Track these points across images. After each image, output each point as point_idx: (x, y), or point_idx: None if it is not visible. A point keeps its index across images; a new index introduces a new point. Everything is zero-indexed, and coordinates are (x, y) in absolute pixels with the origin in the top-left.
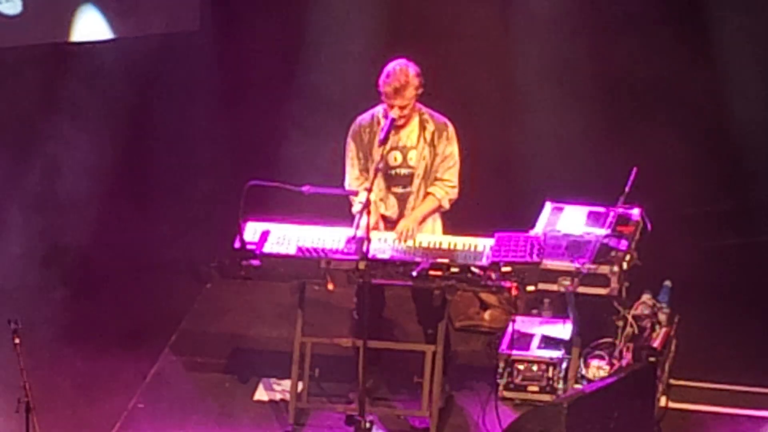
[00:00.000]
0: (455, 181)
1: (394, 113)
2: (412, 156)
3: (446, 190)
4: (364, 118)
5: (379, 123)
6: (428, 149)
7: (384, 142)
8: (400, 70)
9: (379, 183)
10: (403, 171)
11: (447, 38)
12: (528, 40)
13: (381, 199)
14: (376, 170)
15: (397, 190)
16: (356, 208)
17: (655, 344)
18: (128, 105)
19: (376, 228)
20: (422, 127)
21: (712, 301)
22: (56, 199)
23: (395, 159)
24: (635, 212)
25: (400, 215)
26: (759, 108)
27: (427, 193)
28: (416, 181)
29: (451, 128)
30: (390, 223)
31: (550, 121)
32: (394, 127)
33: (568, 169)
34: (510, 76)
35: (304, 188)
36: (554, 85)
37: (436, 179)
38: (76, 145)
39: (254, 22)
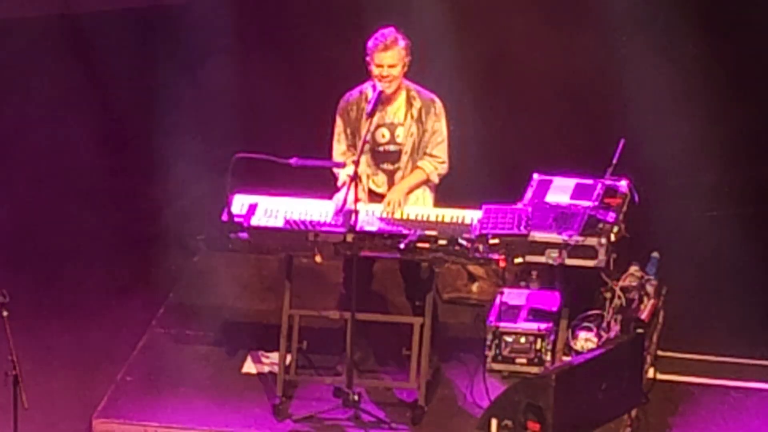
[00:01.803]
0: (444, 156)
1: (383, 73)
2: (400, 133)
3: (435, 165)
4: (352, 94)
5: (366, 99)
6: (416, 126)
7: (371, 114)
8: (389, 32)
9: (368, 160)
10: (391, 148)
11: (433, 9)
12: (516, 11)
13: (369, 176)
14: (363, 143)
15: (385, 166)
16: (341, 180)
17: (643, 316)
18: (116, 76)
19: (359, 201)
20: (409, 104)
21: (700, 273)
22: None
23: (383, 136)
24: (623, 184)
25: (389, 188)
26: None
27: (415, 167)
28: (404, 158)
29: (438, 104)
30: (379, 198)
31: (537, 93)
32: (381, 102)
33: (557, 141)
34: (498, 48)
35: (292, 160)
36: (543, 56)
37: (425, 154)
38: (59, 116)
39: None
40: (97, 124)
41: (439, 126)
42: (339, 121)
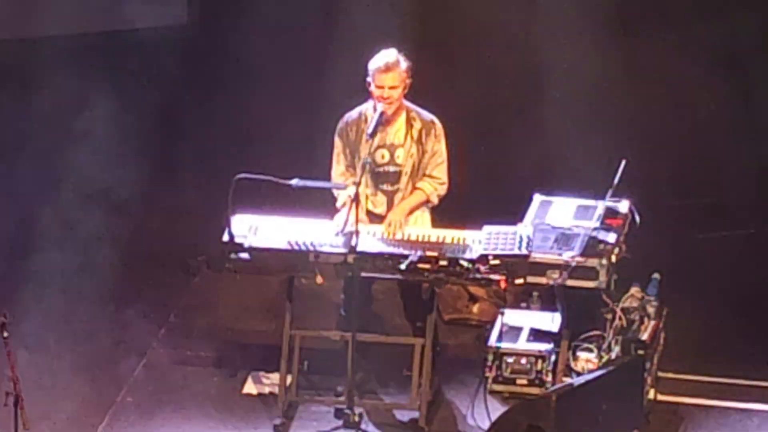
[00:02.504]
0: (444, 177)
1: (383, 95)
2: (400, 154)
3: (435, 186)
4: (351, 115)
5: (366, 120)
6: (416, 147)
7: (373, 135)
8: (391, 53)
9: (368, 181)
10: (391, 169)
11: (435, 32)
12: (516, 34)
13: (369, 197)
14: (364, 165)
15: (385, 187)
16: (341, 201)
17: (644, 337)
18: (114, 98)
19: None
20: (409, 125)
21: (701, 294)
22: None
23: (382, 157)
24: (624, 205)
25: (388, 210)
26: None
27: (415, 188)
28: (404, 179)
29: (438, 125)
30: (379, 219)
31: (538, 113)
32: (382, 123)
33: (558, 162)
34: (500, 69)
35: (293, 181)
36: (544, 75)
37: (424, 176)
38: (61, 137)
39: (243, 15)
40: (98, 141)
41: (438, 147)
42: (338, 142)
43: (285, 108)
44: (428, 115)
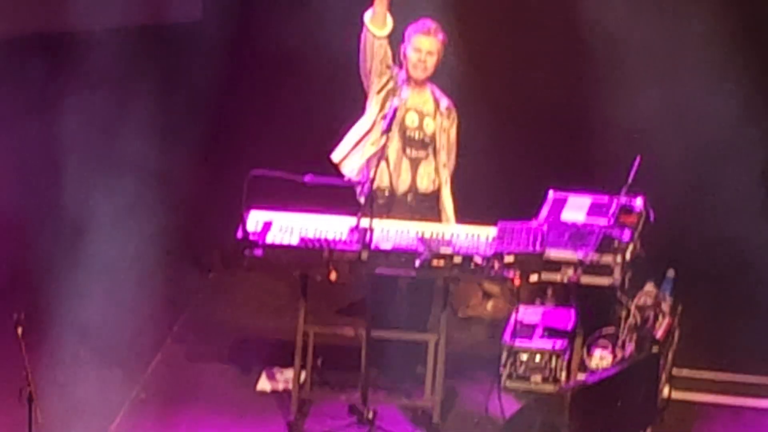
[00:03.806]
0: (453, 163)
1: (420, 57)
2: (428, 122)
3: (447, 180)
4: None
5: (397, 81)
6: (446, 122)
7: (388, 130)
8: (432, 21)
9: (395, 143)
10: (418, 135)
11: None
12: (533, 28)
13: (394, 164)
14: (383, 155)
15: (410, 153)
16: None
17: (658, 334)
18: (126, 94)
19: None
20: (436, 102)
21: (715, 291)
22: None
23: (412, 122)
24: (638, 202)
25: (412, 183)
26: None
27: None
28: (431, 151)
29: (455, 111)
30: (398, 196)
31: (552, 109)
32: (411, 84)
33: (572, 158)
34: (516, 64)
35: (307, 178)
36: (561, 73)
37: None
38: (74, 132)
39: (257, 12)
40: (114, 141)
41: (453, 132)
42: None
43: (301, 105)
44: (448, 99)
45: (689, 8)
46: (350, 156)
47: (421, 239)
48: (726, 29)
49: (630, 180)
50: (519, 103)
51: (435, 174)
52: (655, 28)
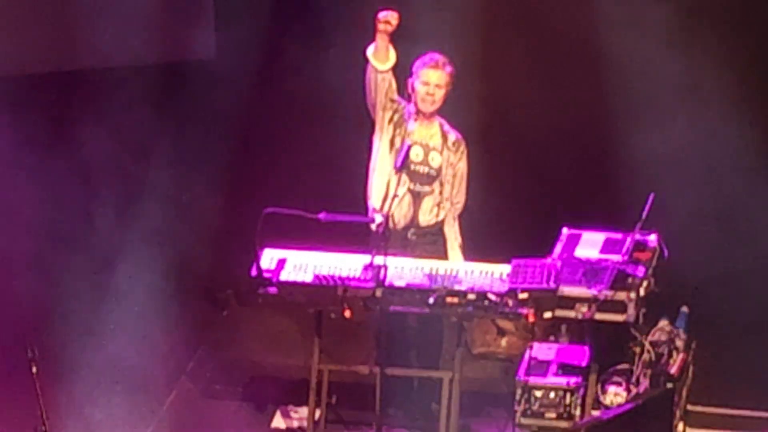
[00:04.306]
0: (463, 197)
1: (429, 91)
2: (434, 157)
3: (455, 217)
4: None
5: (405, 113)
6: (453, 157)
7: (401, 168)
8: (439, 54)
9: (403, 177)
10: (423, 169)
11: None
12: (545, 64)
13: (397, 197)
14: (394, 196)
15: (414, 187)
16: (377, 183)
17: (673, 370)
18: (140, 131)
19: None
20: (444, 136)
21: (729, 327)
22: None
23: (416, 155)
24: (652, 238)
25: (413, 217)
26: None
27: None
28: (436, 186)
29: (464, 144)
30: (398, 231)
31: (567, 147)
32: (417, 117)
33: (585, 195)
34: (530, 99)
35: (321, 215)
36: (575, 109)
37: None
38: (88, 174)
39: (270, 50)
40: (124, 179)
41: (463, 166)
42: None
43: (313, 143)
44: (457, 132)
45: (710, 45)
46: (375, 189)
47: (435, 276)
48: (745, 67)
49: (644, 216)
50: (532, 138)
51: (438, 208)
52: (673, 63)
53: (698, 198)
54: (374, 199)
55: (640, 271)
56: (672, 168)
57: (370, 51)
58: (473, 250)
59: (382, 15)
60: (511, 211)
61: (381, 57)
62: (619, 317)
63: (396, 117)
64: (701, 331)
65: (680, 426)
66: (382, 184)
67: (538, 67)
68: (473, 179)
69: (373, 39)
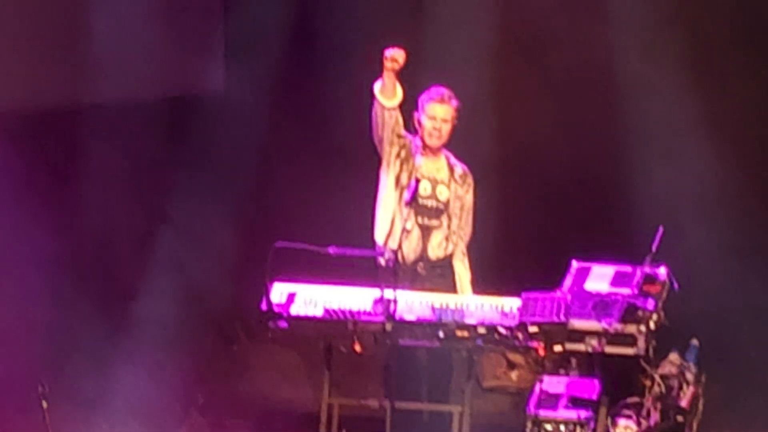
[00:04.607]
0: (470, 229)
1: (435, 126)
2: (442, 190)
3: (463, 250)
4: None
5: (412, 147)
6: (461, 190)
7: (410, 203)
8: (444, 89)
9: (408, 212)
10: (431, 203)
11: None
12: (555, 95)
13: (403, 231)
14: (403, 230)
15: (422, 221)
16: (383, 218)
17: (683, 403)
18: (150, 165)
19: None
20: (450, 169)
21: (740, 360)
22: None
23: (425, 189)
24: (662, 271)
25: (423, 251)
26: None
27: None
28: (444, 219)
29: (471, 176)
30: (407, 265)
31: (576, 181)
32: (424, 151)
33: (595, 228)
34: (538, 132)
35: (330, 249)
36: (583, 143)
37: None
38: (98, 207)
39: (280, 83)
40: (131, 214)
41: (470, 198)
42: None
43: (323, 177)
44: (464, 165)
45: (726, 77)
46: (379, 225)
47: (445, 310)
48: (760, 98)
49: (653, 249)
50: (541, 172)
51: (447, 241)
52: (686, 95)
53: (707, 231)
54: (378, 235)
55: (650, 304)
56: (682, 201)
57: (377, 87)
58: (483, 283)
59: (389, 53)
60: (521, 244)
61: (388, 94)
62: (629, 350)
63: (403, 153)
64: (711, 364)
65: None
66: (387, 219)
67: (548, 99)
68: (483, 212)
69: (380, 74)
